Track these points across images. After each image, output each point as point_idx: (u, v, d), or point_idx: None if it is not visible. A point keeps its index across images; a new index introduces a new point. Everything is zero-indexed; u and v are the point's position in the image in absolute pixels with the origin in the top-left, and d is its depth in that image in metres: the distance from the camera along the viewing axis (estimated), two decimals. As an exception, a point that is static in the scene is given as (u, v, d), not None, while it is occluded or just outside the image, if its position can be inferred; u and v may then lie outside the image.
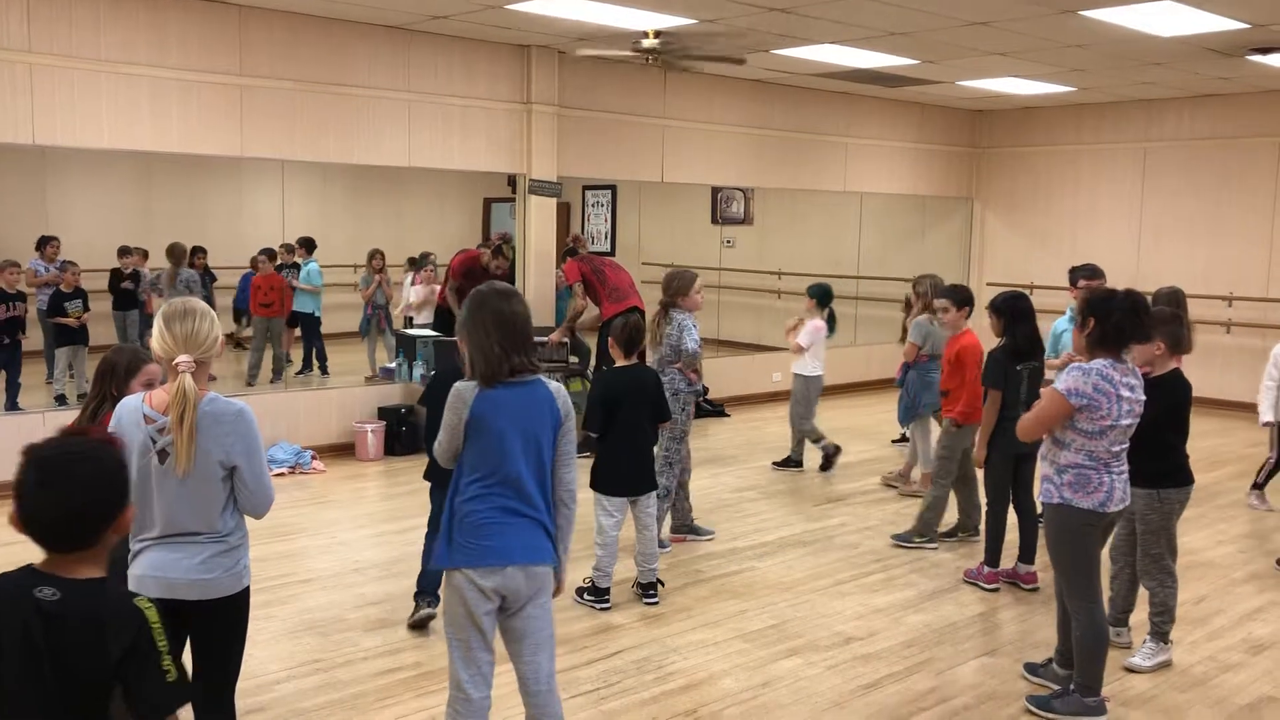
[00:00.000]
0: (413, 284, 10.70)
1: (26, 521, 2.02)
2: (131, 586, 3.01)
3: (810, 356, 8.13)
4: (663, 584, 5.53)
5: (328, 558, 6.05)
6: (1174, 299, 6.57)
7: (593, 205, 15.55)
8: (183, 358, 2.91)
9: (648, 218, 14.98)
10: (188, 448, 2.90)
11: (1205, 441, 8.43)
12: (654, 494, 5.48)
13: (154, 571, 3.00)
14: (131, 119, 7.40)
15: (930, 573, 5.96)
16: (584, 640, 4.90)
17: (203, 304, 3.07)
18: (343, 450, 8.49)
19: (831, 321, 8.41)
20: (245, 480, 3.02)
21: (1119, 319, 3.96)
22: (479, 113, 9.05)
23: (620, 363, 5.52)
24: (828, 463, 8.29)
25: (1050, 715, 4.20)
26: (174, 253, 10.34)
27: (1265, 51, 8.68)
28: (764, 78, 10.76)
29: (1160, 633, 4.75)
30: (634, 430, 5.34)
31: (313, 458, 8.13)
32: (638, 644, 4.87)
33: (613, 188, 15.12)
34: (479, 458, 3.14)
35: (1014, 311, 5.61)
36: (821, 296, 8.32)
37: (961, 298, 6.35)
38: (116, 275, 10.16)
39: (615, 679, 4.49)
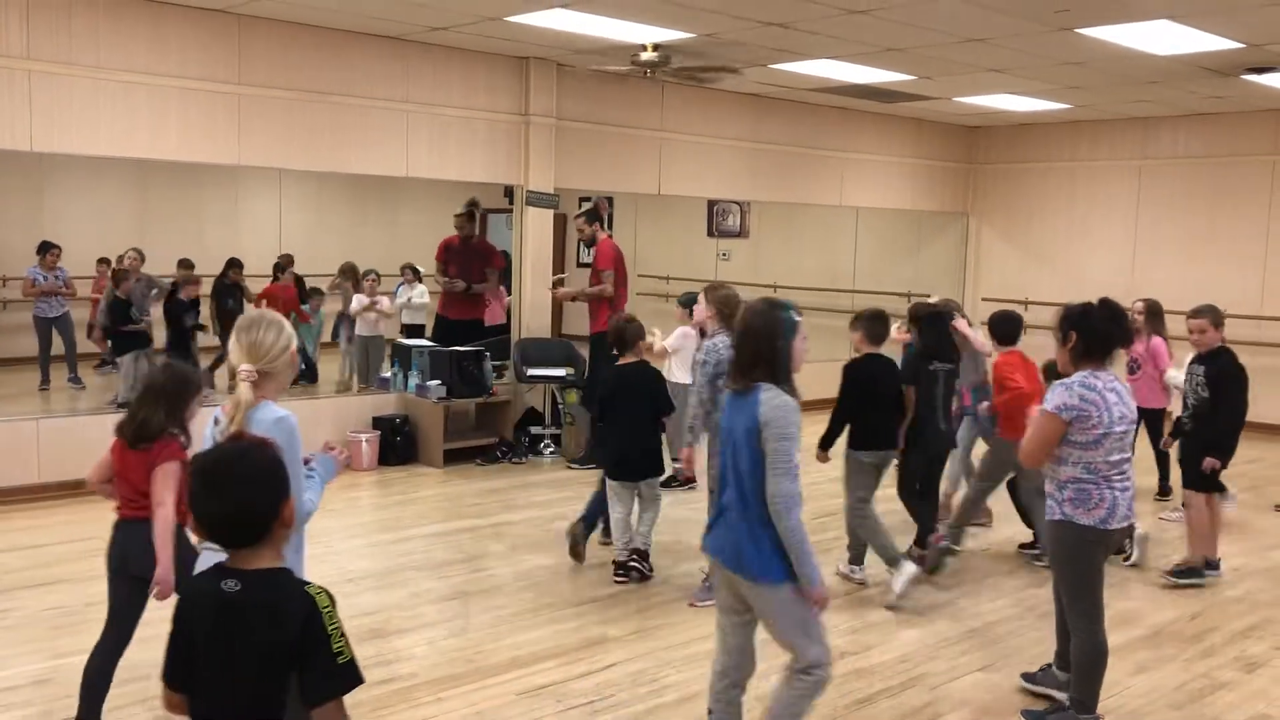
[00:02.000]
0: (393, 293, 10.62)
1: (199, 524, 2.25)
2: None
3: (678, 364, 7.73)
4: (646, 559, 6.00)
5: (321, 567, 6.01)
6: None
7: (589, 217, 15.55)
8: (244, 367, 3.07)
9: (644, 230, 15.01)
10: None
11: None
12: (656, 480, 6.02)
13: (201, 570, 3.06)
14: (129, 126, 7.40)
15: (924, 588, 5.96)
16: (578, 653, 4.89)
17: (276, 316, 3.22)
18: (337, 460, 8.46)
19: (704, 332, 8.13)
20: None
21: (1103, 328, 4.03)
22: (477, 124, 9.06)
23: (621, 360, 6.17)
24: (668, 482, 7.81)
25: None
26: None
27: (1260, 71, 8.74)
28: (761, 92, 10.79)
29: (891, 559, 5.64)
30: (633, 423, 5.94)
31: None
32: (632, 657, 4.86)
33: (610, 199, 15.13)
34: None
35: (928, 319, 6.29)
36: (692, 304, 8.05)
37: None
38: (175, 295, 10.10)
39: (610, 692, 4.48)
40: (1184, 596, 5.91)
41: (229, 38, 7.74)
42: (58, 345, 10.27)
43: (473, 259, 9.57)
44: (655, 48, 8.25)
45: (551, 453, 9.11)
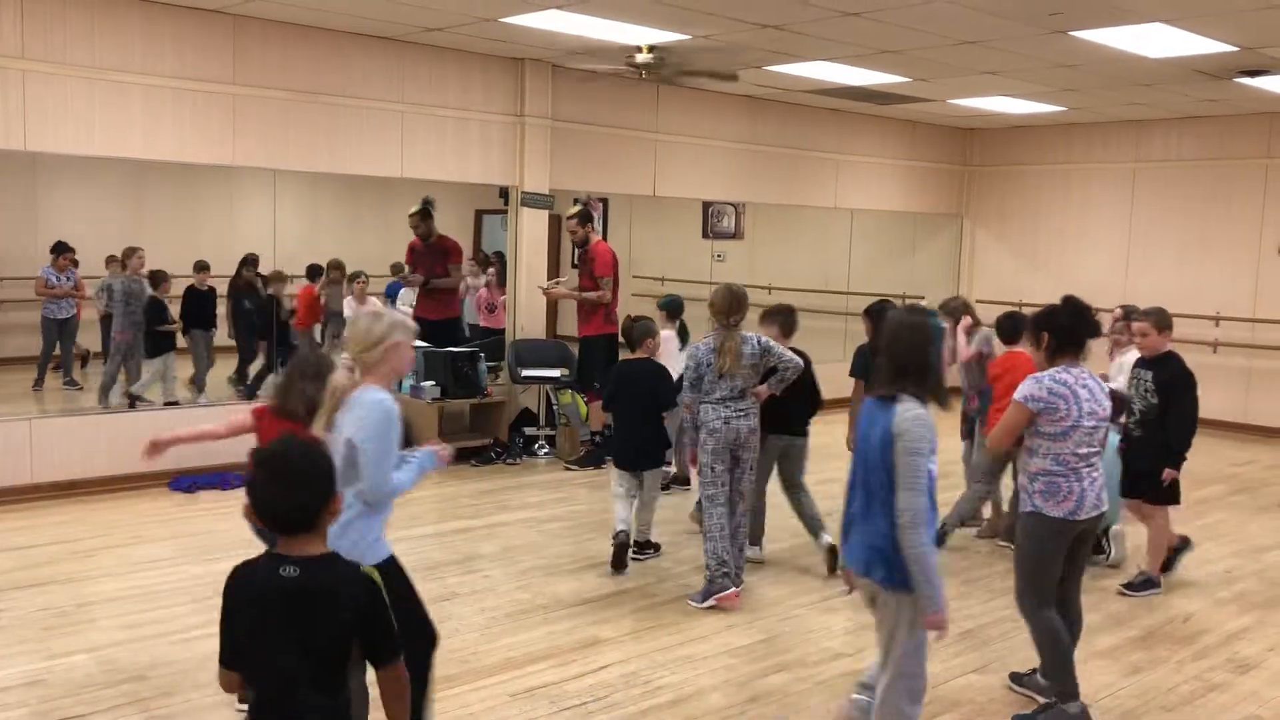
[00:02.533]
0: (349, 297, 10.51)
1: (257, 509, 2.44)
2: None
3: None
4: (657, 547, 6.43)
5: (315, 568, 6.02)
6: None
7: (584, 218, 15.55)
8: (343, 355, 3.45)
9: (639, 231, 15.01)
10: (324, 423, 3.45)
11: (1189, 462, 8.44)
12: (657, 470, 6.32)
13: None
14: (124, 126, 7.39)
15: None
16: (572, 654, 4.89)
17: (379, 310, 3.74)
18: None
19: (684, 334, 8.17)
20: (362, 463, 3.37)
21: (1068, 323, 4.21)
22: (472, 125, 9.06)
23: (628, 356, 6.62)
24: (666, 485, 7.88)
25: None
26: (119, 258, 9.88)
27: (1253, 74, 8.76)
28: (756, 93, 10.80)
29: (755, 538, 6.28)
30: (632, 416, 6.25)
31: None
32: (625, 658, 4.86)
33: (604, 201, 15.13)
34: None
35: (880, 314, 6.27)
36: (671, 308, 8.07)
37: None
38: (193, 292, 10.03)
39: (603, 693, 4.48)
40: (1176, 598, 5.92)
41: (224, 38, 7.73)
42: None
43: (434, 258, 9.46)
44: (650, 49, 8.25)
45: (546, 453, 9.11)
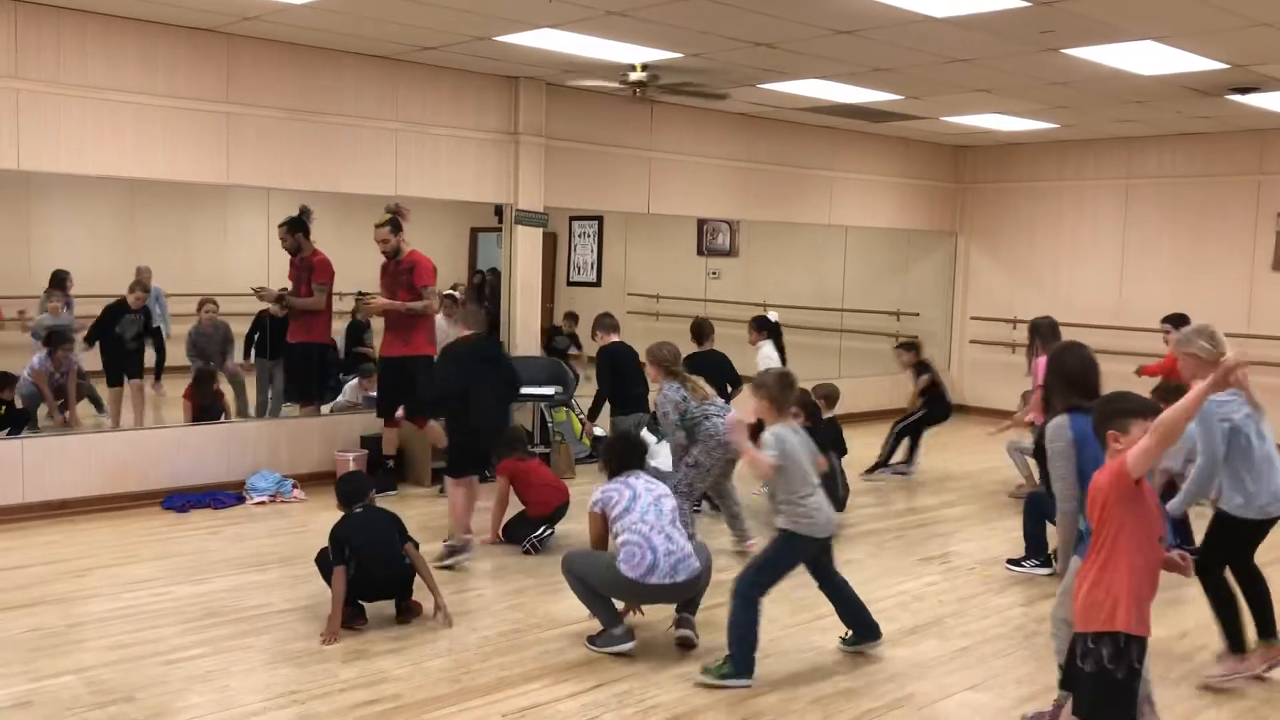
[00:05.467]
0: None
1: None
2: None
3: None
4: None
5: (306, 588, 5.98)
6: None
7: (579, 236, 15.59)
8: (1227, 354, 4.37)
9: (634, 249, 15.03)
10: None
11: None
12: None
13: None
14: (117, 146, 7.40)
15: (912, 607, 5.94)
16: (565, 673, 4.86)
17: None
18: (324, 479, 8.40)
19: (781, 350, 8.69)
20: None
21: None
22: (466, 143, 9.08)
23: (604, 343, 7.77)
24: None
25: (594, 649, 5.08)
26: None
27: (1244, 91, 8.79)
28: (749, 111, 10.83)
29: None
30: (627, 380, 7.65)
31: (293, 486, 8.07)
32: (619, 677, 4.83)
33: (599, 219, 15.15)
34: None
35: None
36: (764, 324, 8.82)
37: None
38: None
39: (596, 712, 4.45)
40: (1171, 614, 5.89)
41: (218, 57, 7.74)
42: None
43: (302, 276, 8.79)
44: (644, 67, 8.28)
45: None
